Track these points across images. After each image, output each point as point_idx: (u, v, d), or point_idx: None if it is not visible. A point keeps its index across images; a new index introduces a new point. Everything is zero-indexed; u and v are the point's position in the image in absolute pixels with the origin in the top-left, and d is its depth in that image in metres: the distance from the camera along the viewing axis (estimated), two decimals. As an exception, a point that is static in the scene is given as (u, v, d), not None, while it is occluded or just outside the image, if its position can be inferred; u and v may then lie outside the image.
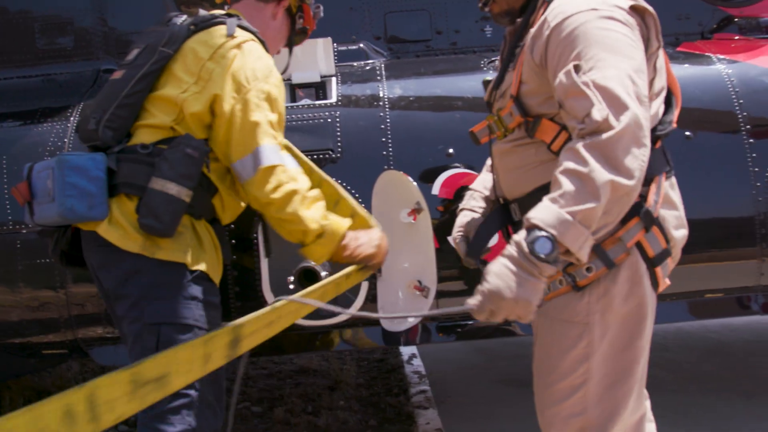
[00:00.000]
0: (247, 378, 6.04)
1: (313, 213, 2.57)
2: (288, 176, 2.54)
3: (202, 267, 2.53)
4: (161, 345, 2.40)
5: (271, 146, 2.54)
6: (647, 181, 2.12)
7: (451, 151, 3.59)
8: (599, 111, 1.92)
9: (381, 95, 3.76)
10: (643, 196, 2.13)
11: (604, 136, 1.91)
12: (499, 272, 1.95)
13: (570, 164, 1.94)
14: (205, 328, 2.51)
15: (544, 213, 1.93)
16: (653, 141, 2.14)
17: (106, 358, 3.66)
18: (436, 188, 3.55)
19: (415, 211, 3.16)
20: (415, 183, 3.19)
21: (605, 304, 2.16)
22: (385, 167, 3.56)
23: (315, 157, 3.60)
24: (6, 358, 3.88)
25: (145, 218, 2.40)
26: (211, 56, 2.55)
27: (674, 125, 2.26)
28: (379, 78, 3.86)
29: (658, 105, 2.19)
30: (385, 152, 3.61)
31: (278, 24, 2.94)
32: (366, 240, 2.75)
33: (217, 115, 2.53)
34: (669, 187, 2.21)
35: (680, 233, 2.20)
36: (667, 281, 2.25)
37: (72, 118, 3.79)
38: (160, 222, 2.40)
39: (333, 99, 3.77)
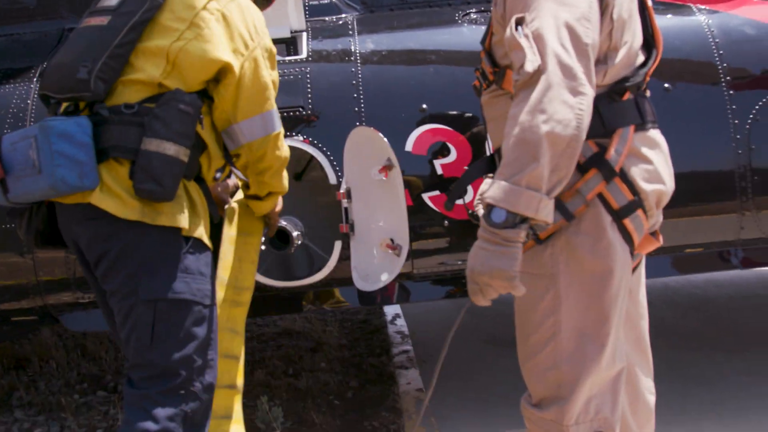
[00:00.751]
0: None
1: (285, 177, 2.73)
2: (283, 141, 2.59)
3: (198, 233, 2.37)
4: (158, 322, 2.26)
5: (275, 110, 2.53)
6: (608, 133, 2.09)
7: (424, 106, 3.50)
8: (531, 63, 1.94)
9: (353, 50, 3.66)
10: (604, 147, 2.07)
11: (536, 88, 1.92)
12: (472, 252, 2.02)
13: (508, 129, 1.97)
14: (201, 302, 2.35)
15: (493, 189, 1.97)
16: (620, 92, 2.10)
17: (78, 324, 3.59)
18: (409, 145, 3.47)
19: (386, 167, 3.09)
20: (385, 139, 3.10)
21: (568, 255, 2.13)
22: (357, 124, 3.47)
23: (285, 114, 3.51)
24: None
25: (144, 183, 2.20)
26: (205, 5, 2.37)
27: (647, 77, 2.19)
28: (351, 33, 3.76)
29: (623, 56, 2.12)
30: (356, 108, 3.52)
31: None
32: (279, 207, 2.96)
33: (226, 71, 2.36)
34: (640, 141, 2.15)
35: (652, 187, 2.13)
36: (659, 239, 2.22)
37: (35, 79, 3.68)
38: (161, 185, 2.21)
39: (303, 54, 3.67)
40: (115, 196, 2.24)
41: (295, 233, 3.32)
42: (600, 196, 2.09)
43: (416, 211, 3.46)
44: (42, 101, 2.50)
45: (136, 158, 2.23)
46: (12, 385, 4.95)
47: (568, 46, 1.94)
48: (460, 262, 3.59)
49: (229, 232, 2.83)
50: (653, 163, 2.15)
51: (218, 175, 2.63)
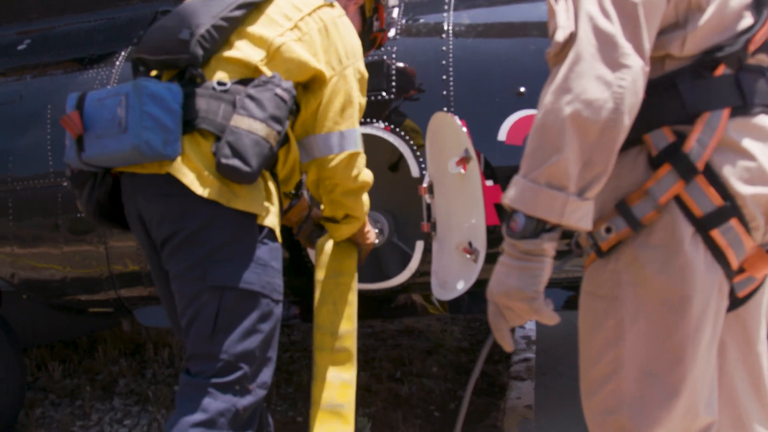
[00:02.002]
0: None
1: (366, 202, 2.62)
2: (363, 164, 2.50)
3: (272, 223, 2.29)
4: (222, 312, 2.19)
5: (358, 130, 2.48)
6: (690, 118, 1.61)
7: (522, 89, 3.05)
8: (563, 30, 1.57)
9: (445, 26, 3.25)
10: (683, 136, 1.58)
11: (564, 62, 1.54)
12: (494, 270, 1.69)
13: (534, 113, 1.63)
14: (270, 296, 2.28)
15: (510, 188, 1.63)
16: (710, 66, 1.63)
17: (150, 319, 3.44)
18: (502, 134, 3.03)
19: (464, 159, 2.68)
20: (463, 127, 2.69)
21: (634, 275, 1.69)
22: (444, 109, 3.07)
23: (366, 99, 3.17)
24: (57, 316, 3.75)
25: (230, 159, 2.11)
26: (310, 13, 2.39)
27: (754, 45, 1.67)
28: (446, 7, 3.34)
29: (712, 16, 1.61)
30: (444, 92, 3.12)
31: (349, 17, 2.63)
32: (370, 228, 2.87)
33: (316, 80, 2.37)
34: (740, 129, 1.63)
35: (754, 190, 1.62)
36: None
37: (118, 63, 3.54)
38: (248, 164, 2.12)
39: (392, 32, 3.30)
40: (194, 171, 2.17)
41: (374, 231, 2.99)
42: (677, 199, 1.62)
43: (503, 211, 3.01)
44: (132, 67, 2.43)
45: (223, 135, 2.15)
46: (121, 372, 4.93)
47: (608, 6, 1.52)
48: (573, 267, 3.11)
49: (318, 275, 2.77)
50: (757, 159, 1.62)
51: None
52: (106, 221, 2.42)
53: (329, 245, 2.84)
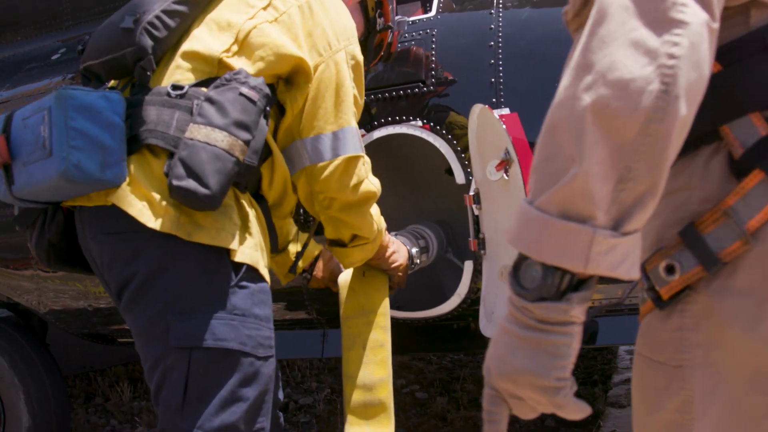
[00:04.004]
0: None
1: (377, 218, 2.14)
2: (367, 170, 2.03)
3: (252, 259, 1.83)
4: (192, 377, 1.76)
5: (355, 129, 2.00)
6: None
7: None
8: None
9: (494, 2, 2.70)
10: None
11: (587, 24, 1.01)
12: (493, 339, 1.17)
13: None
14: (252, 353, 1.82)
15: (514, 221, 1.11)
16: None
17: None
18: (563, 126, 2.44)
19: (504, 162, 2.13)
20: (502, 123, 2.15)
21: (711, 335, 1.14)
22: (493, 101, 2.52)
23: (401, 92, 2.67)
24: (89, 347, 3.48)
25: (182, 180, 1.67)
26: None
27: None
28: (498, -21, 2.79)
29: None
30: (493, 80, 2.57)
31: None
32: (397, 247, 2.35)
33: (298, 71, 1.92)
34: None
35: None
36: None
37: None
38: (205, 186, 1.67)
39: (432, 12, 2.78)
40: (143, 198, 1.75)
41: (414, 250, 2.49)
42: None
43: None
44: (82, 82, 2.03)
45: (177, 150, 1.72)
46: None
47: None
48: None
49: (343, 314, 2.34)
50: None
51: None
52: (63, 265, 2.00)
53: (348, 276, 2.36)
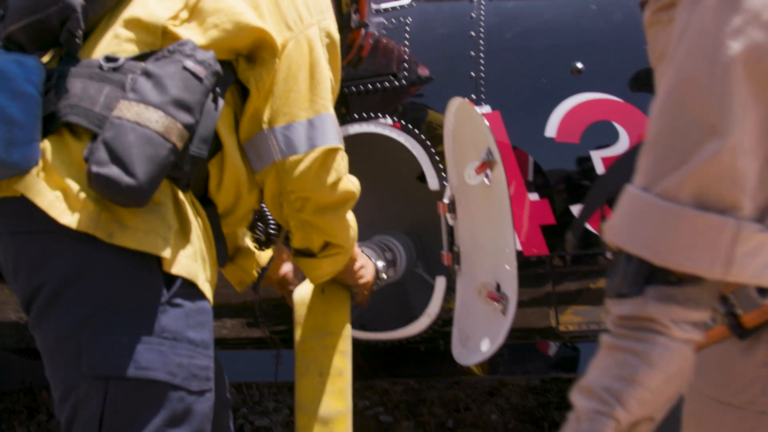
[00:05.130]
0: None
1: (353, 224, 1.85)
2: (346, 166, 1.75)
3: (189, 271, 1.53)
4: (108, 413, 1.45)
5: (333, 117, 1.71)
6: None
7: (579, 65, 2.20)
8: None
9: (475, -13, 2.43)
10: None
11: None
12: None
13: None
14: (183, 387, 1.50)
15: (617, 213, 0.95)
16: None
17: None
18: (551, 128, 2.18)
19: (486, 164, 1.84)
20: (482, 116, 1.87)
21: None
22: (473, 96, 2.24)
23: (369, 86, 2.39)
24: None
25: (103, 166, 1.37)
26: None
27: None
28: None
29: None
30: (473, 73, 2.29)
31: None
32: (365, 261, 2.09)
33: (263, 47, 1.62)
34: None
35: None
36: None
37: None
38: (130, 173, 1.37)
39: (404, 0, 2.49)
40: (57, 188, 1.46)
41: (380, 264, 2.20)
42: None
43: (564, 233, 2.17)
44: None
45: (101, 131, 1.43)
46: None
47: None
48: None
49: (297, 336, 2.04)
50: None
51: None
52: None
53: (306, 291, 2.05)
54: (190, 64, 1.46)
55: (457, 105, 2.01)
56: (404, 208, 2.51)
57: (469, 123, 1.97)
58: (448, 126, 2.09)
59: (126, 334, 1.45)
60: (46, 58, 1.64)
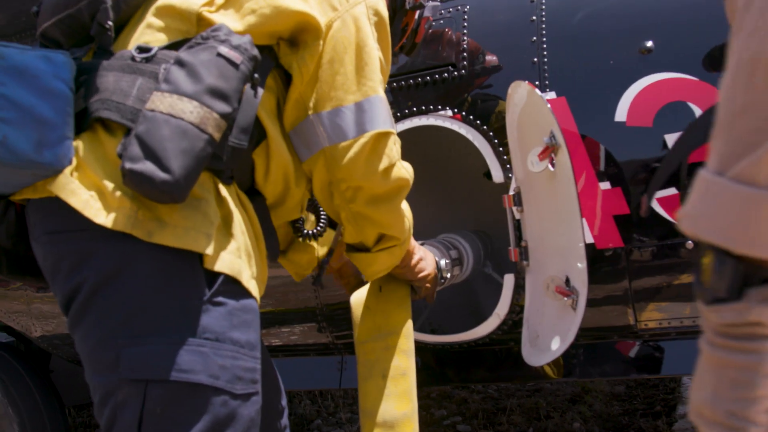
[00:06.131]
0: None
1: (408, 214, 1.73)
2: (398, 152, 1.63)
3: (234, 268, 1.45)
4: (148, 418, 1.36)
5: (384, 99, 1.60)
6: None
7: (649, 44, 2.06)
8: None
9: (536, -30, 2.31)
10: None
11: None
12: None
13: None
14: (227, 390, 1.41)
15: (692, 199, 0.85)
16: None
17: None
18: (621, 112, 2.05)
19: (549, 149, 1.73)
20: (543, 98, 1.75)
21: None
22: (536, 83, 2.12)
23: (428, 78, 2.29)
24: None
25: (137, 162, 1.30)
26: None
27: None
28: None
29: None
30: (536, 59, 2.17)
31: None
32: (424, 254, 1.96)
33: (306, 29, 1.54)
34: None
35: None
36: None
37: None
38: (165, 169, 1.30)
39: (462, -15, 2.40)
40: (92, 187, 1.39)
41: (443, 262, 2.10)
42: None
43: (640, 223, 2.03)
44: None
45: (135, 125, 1.36)
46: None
47: None
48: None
49: (357, 337, 1.95)
50: None
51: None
52: (16, 274, 1.63)
53: (363, 293, 1.97)
54: (224, 49, 1.38)
55: (517, 89, 1.90)
56: (470, 205, 2.39)
57: (531, 107, 1.85)
58: (510, 112, 1.98)
59: (165, 335, 1.37)
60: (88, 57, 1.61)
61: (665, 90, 2.01)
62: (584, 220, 2.03)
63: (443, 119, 2.24)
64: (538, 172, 1.81)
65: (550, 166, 1.78)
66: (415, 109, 2.29)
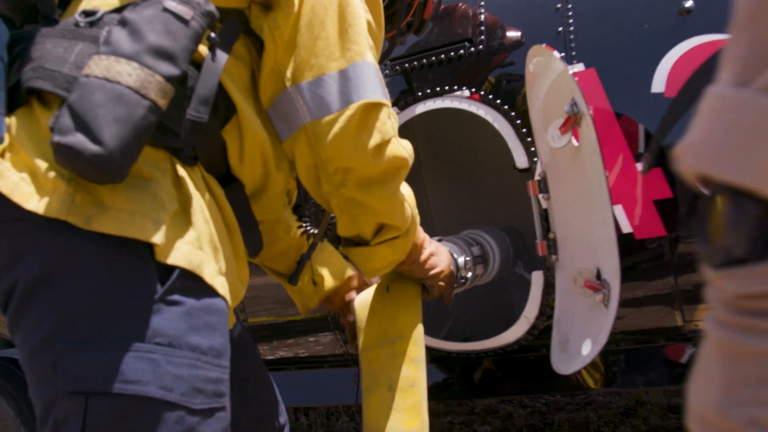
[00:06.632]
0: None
1: (409, 200, 1.51)
2: (394, 126, 1.40)
3: (189, 260, 1.22)
4: None
5: (373, 66, 1.37)
6: None
7: (689, 4, 1.80)
8: None
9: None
10: None
11: None
12: None
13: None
14: (182, 404, 1.19)
15: (696, 126, 0.60)
16: None
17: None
18: (659, 82, 1.79)
19: (571, 119, 1.48)
20: (561, 60, 1.52)
21: None
22: (562, 54, 1.88)
23: (442, 55, 2.07)
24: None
25: (66, 134, 1.12)
26: None
27: None
28: None
29: None
30: (560, 28, 1.93)
31: None
32: (436, 249, 1.71)
33: None
34: None
35: None
36: None
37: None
38: (96, 141, 1.12)
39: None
40: (24, 168, 1.20)
41: (462, 259, 1.87)
42: None
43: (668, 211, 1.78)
44: None
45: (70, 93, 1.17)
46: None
47: None
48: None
49: (361, 342, 1.74)
50: None
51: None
52: None
53: (369, 293, 1.75)
54: (171, 4, 1.17)
55: (534, 55, 1.66)
56: (497, 198, 2.16)
57: (550, 74, 1.61)
58: (529, 84, 1.74)
59: (109, 340, 1.16)
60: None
61: (708, 55, 1.75)
62: (621, 206, 1.78)
63: (460, 100, 2.01)
64: (561, 148, 1.56)
65: (573, 140, 1.54)
66: (428, 90, 2.06)
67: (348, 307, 1.83)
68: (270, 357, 2.41)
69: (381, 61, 2.11)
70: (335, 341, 2.27)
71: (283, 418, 1.68)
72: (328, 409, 4.50)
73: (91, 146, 1.09)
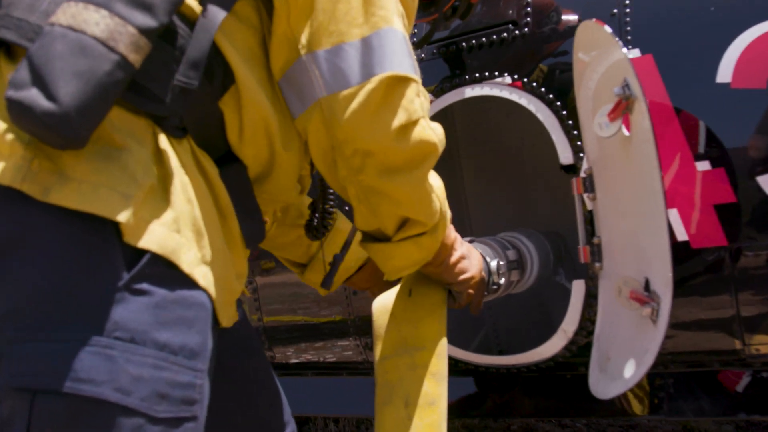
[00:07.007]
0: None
1: (439, 192, 1.33)
2: (423, 106, 1.21)
3: (161, 243, 1.07)
4: None
5: (401, 34, 1.19)
6: None
7: (762, -15, 1.61)
8: None
9: None
10: None
11: None
12: None
13: None
14: (142, 411, 1.04)
15: None
16: None
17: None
18: (725, 72, 1.59)
19: (622, 105, 1.29)
20: (613, 36, 1.33)
21: None
22: (617, 41, 1.69)
23: (482, 40, 1.89)
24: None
25: (21, 89, 0.99)
26: None
27: None
28: None
29: None
30: (616, 10, 1.74)
31: None
32: (468, 252, 1.53)
33: None
34: None
35: None
36: None
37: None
38: (51, 97, 0.98)
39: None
40: None
41: (495, 263, 1.68)
42: None
43: (751, 214, 1.58)
44: None
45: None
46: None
47: None
48: None
49: (377, 351, 1.58)
50: None
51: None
52: None
53: (389, 296, 1.57)
54: None
55: (583, 32, 1.47)
56: (534, 194, 1.97)
57: (600, 54, 1.42)
58: (578, 71, 1.55)
59: (62, 330, 1.01)
60: None
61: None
62: (676, 210, 1.58)
63: (500, 88, 1.83)
64: (609, 138, 1.36)
65: (624, 129, 1.34)
66: (467, 77, 1.88)
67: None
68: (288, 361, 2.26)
69: (418, 47, 1.93)
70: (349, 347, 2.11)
71: (291, 428, 1.52)
72: (358, 418, 4.35)
73: (43, 102, 0.94)
